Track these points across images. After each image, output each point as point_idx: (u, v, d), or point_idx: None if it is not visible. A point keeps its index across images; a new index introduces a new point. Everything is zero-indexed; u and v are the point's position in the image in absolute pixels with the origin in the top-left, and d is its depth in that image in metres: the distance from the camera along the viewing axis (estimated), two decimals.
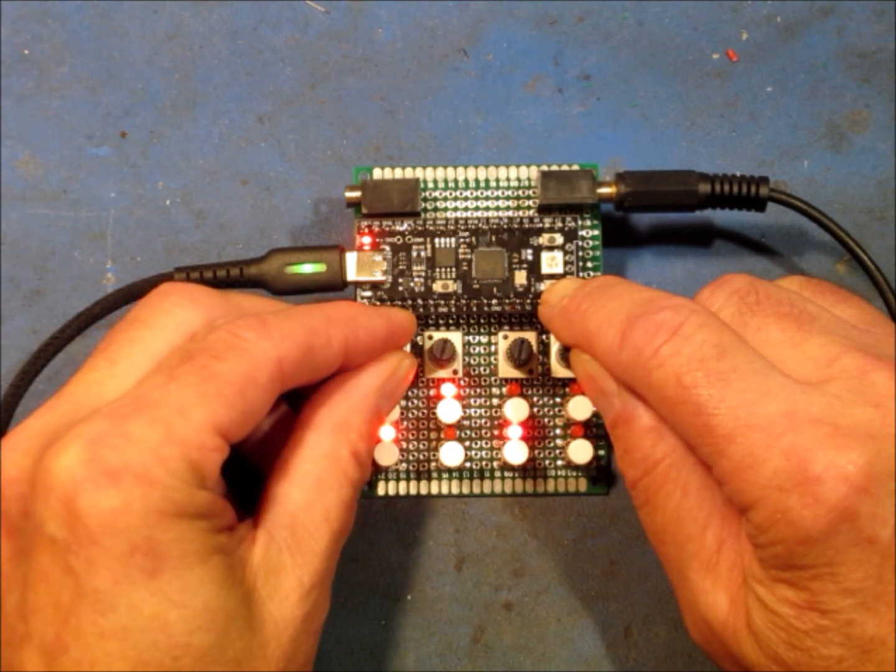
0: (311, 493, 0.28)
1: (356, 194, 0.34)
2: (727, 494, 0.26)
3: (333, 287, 0.34)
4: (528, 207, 0.35)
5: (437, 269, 0.34)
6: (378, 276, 0.34)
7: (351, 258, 0.34)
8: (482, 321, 0.35)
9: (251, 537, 0.27)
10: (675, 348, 0.27)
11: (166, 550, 0.25)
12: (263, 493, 0.29)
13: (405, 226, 0.34)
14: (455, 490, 0.35)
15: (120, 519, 0.24)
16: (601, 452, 0.35)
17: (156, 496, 0.25)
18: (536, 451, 0.35)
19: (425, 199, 0.35)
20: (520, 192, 0.35)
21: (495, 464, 0.35)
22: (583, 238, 0.35)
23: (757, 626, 0.26)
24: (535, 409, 0.35)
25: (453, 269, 0.34)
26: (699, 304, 0.28)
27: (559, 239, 0.34)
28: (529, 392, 0.35)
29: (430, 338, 0.34)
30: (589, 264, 0.35)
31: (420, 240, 0.34)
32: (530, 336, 0.34)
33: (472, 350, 0.35)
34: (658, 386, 0.27)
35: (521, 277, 0.34)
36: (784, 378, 0.26)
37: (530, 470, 0.35)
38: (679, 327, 0.27)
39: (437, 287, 0.34)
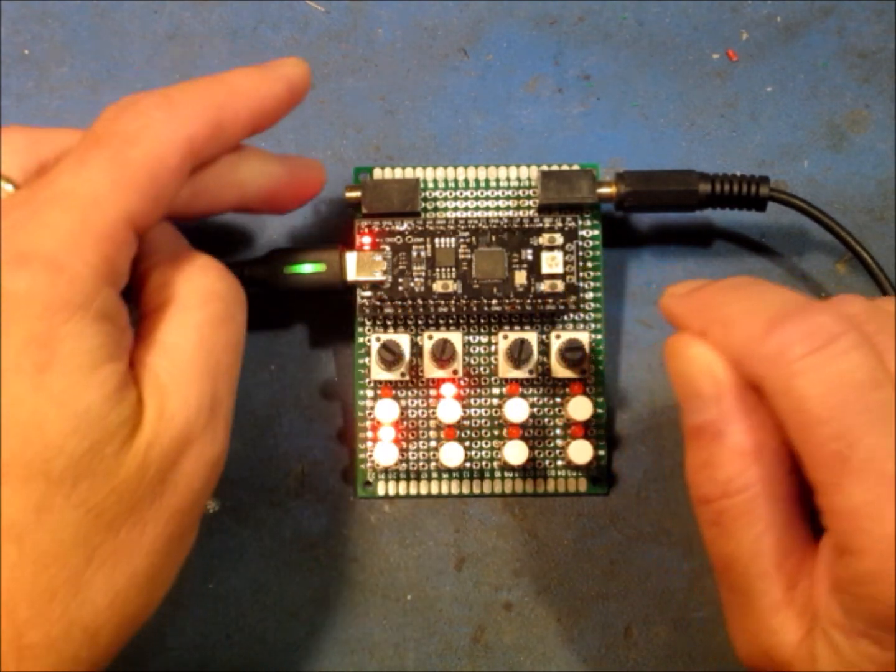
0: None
1: (356, 194, 0.34)
2: (828, 526, 0.25)
3: (333, 287, 0.34)
4: (528, 207, 0.35)
5: (437, 269, 0.34)
6: (378, 276, 0.34)
7: (351, 258, 0.34)
8: (482, 321, 0.35)
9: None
10: (830, 360, 0.24)
11: (62, 345, 0.24)
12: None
13: (405, 226, 0.34)
14: (455, 490, 0.35)
15: (23, 304, 0.24)
16: (601, 452, 0.35)
17: (63, 284, 0.24)
18: (536, 451, 0.35)
19: (425, 199, 0.35)
20: (520, 192, 0.35)
21: (495, 464, 0.35)
22: (583, 238, 0.35)
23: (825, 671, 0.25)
24: (535, 409, 0.35)
25: (453, 269, 0.34)
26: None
27: (559, 239, 0.34)
28: (529, 392, 0.35)
29: (430, 338, 0.34)
30: (589, 264, 0.35)
31: (420, 240, 0.34)
32: (530, 336, 0.34)
33: (472, 350, 0.35)
34: (797, 393, 0.24)
35: (521, 277, 0.34)
36: None
37: (530, 470, 0.35)
38: (837, 338, 0.24)
39: (437, 287, 0.34)
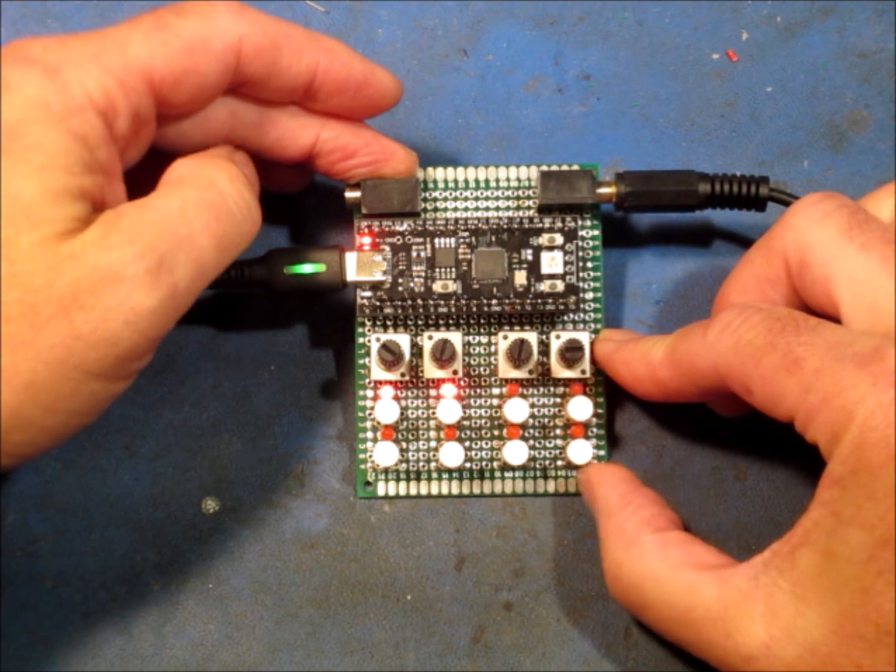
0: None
1: (356, 194, 0.34)
2: (812, 438, 0.27)
3: (333, 287, 0.34)
4: (528, 207, 0.35)
5: (437, 270, 0.34)
6: (378, 277, 0.34)
7: (351, 258, 0.34)
8: (482, 321, 0.35)
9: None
10: (763, 314, 0.29)
11: (24, 138, 0.26)
12: None
13: (405, 226, 0.34)
14: (455, 490, 0.35)
15: (9, 93, 0.27)
16: (601, 452, 0.35)
17: (50, 88, 0.27)
18: (536, 451, 0.35)
19: (425, 199, 0.35)
20: (520, 192, 0.35)
21: (495, 464, 0.35)
22: (583, 238, 0.35)
23: (817, 584, 0.26)
24: (535, 409, 0.35)
25: (453, 270, 0.34)
26: (806, 203, 0.30)
27: (559, 239, 0.34)
28: (529, 392, 0.35)
29: (430, 338, 0.34)
30: (589, 264, 0.35)
31: (420, 240, 0.34)
32: (530, 336, 0.34)
33: (472, 350, 0.35)
34: (743, 345, 0.28)
35: (521, 277, 0.34)
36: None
37: (530, 470, 0.35)
38: (759, 309, 0.29)
39: (437, 287, 0.34)
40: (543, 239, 0.34)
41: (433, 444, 0.35)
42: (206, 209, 0.29)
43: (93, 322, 0.26)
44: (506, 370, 0.34)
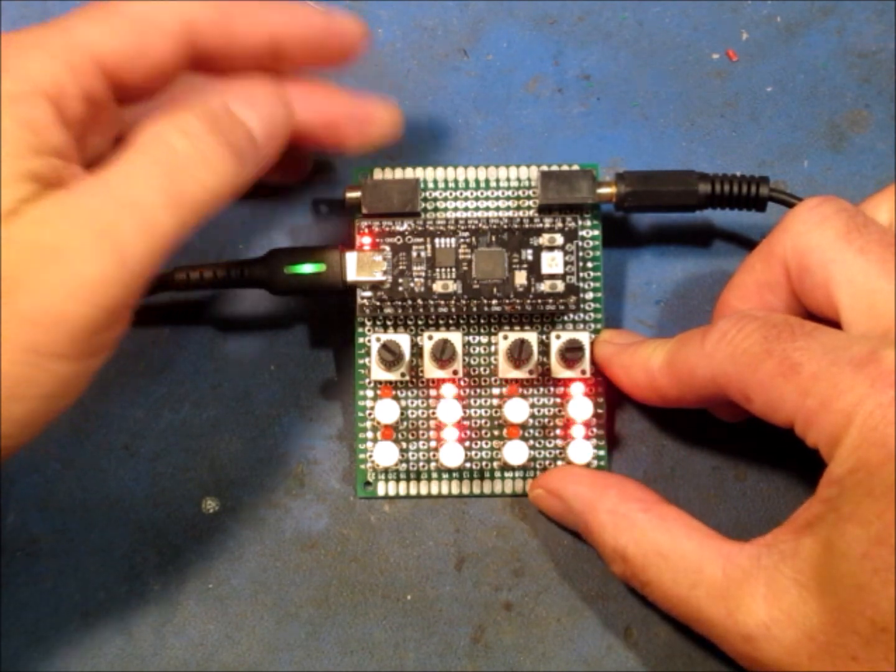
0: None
1: (356, 194, 0.34)
2: (812, 442, 0.27)
3: (333, 287, 0.34)
4: (528, 207, 0.35)
5: (437, 270, 0.34)
6: (378, 277, 0.34)
7: (351, 258, 0.34)
8: (482, 321, 0.35)
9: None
10: (759, 322, 0.29)
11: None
12: None
13: (405, 226, 0.34)
14: (455, 490, 0.35)
15: None
16: (601, 452, 0.35)
17: None
18: (536, 451, 0.35)
19: (425, 200, 0.35)
20: (520, 192, 0.35)
21: (495, 464, 0.35)
22: (583, 238, 0.35)
23: (817, 584, 0.26)
24: (535, 410, 0.35)
25: (453, 270, 0.34)
26: (805, 207, 0.30)
27: (559, 239, 0.34)
28: (529, 392, 0.35)
29: (430, 338, 0.34)
30: (589, 264, 0.35)
31: (420, 240, 0.34)
32: (530, 336, 0.34)
33: (472, 350, 0.35)
34: (740, 353, 0.29)
35: (521, 277, 0.34)
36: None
37: (530, 470, 0.35)
38: (755, 317, 0.29)
39: (437, 287, 0.34)
40: (543, 239, 0.34)
41: (433, 444, 0.35)
42: (152, 167, 0.27)
43: (37, 301, 0.26)
44: (506, 370, 0.34)
